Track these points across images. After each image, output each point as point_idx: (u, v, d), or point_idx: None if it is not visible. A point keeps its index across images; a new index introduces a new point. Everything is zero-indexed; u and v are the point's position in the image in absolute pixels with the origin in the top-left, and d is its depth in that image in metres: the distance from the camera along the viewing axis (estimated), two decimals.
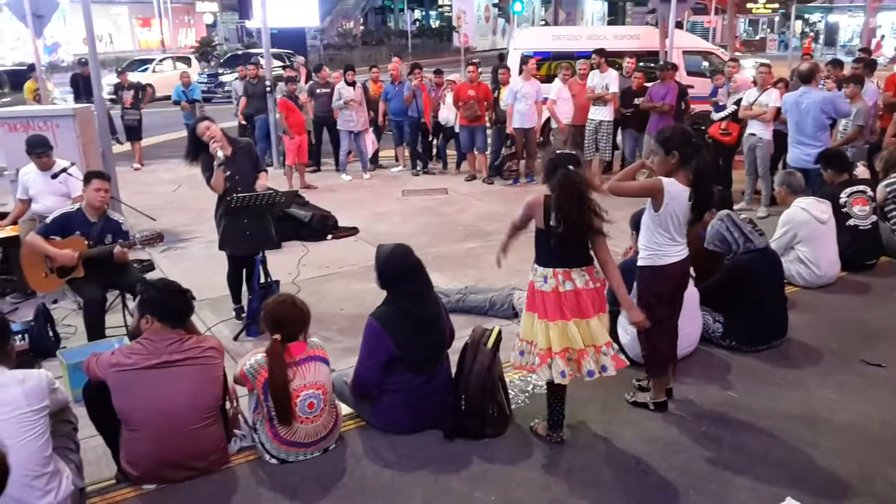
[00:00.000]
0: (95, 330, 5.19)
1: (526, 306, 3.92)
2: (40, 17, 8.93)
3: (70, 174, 6.16)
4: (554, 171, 3.74)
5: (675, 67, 10.38)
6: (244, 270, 5.91)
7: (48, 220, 5.36)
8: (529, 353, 3.89)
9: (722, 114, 9.14)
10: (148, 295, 3.70)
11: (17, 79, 16.77)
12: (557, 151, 3.86)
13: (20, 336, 5.17)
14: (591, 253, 3.81)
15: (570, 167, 3.71)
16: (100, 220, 5.33)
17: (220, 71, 24.70)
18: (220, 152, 5.39)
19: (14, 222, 6.53)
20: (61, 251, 5.17)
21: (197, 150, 5.56)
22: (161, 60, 25.72)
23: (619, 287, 3.88)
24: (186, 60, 25.93)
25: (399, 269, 4.01)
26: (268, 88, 11.78)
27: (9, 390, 3.12)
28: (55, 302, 6.25)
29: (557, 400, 3.96)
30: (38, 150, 6.19)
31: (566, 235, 3.66)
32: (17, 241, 6.19)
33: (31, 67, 13.71)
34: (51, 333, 5.45)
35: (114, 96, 13.32)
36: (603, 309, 3.86)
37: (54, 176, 6.15)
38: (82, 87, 13.48)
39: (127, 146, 13.00)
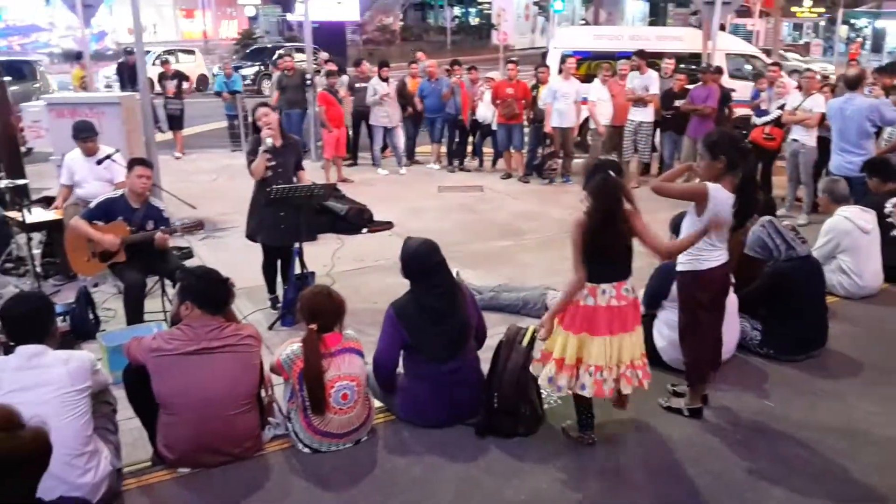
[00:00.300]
0: (135, 314, 5.28)
1: None
2: (89, 6, 9.11)
3: (114, 160, 6.27)
4: (593, 175, 3.76)
5: (719, 71, 10.25)
6: (279, 261, 5.98)
7: (92, 205, 5.47)
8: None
9: (765, 118, 8.99)
10: (188, 282, 3.76)
11: (16, 69, 14.60)
12: (600, 157, 3.86)
13: (62, 318, 5.28)
14: (628, 266, 3.79)
15: (610, 173, 3.71)
16: (142, 207, 5.42)
17: (241, 64, 23.99)
18: (269, 140, 5.50)
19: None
20: (104, 236, 5.26)
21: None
22: (167, 52, 24.23)
23: (661, 244, 3.89)
24: (191, 53, 25.73)
25: (422, 265, 4.04)
26: (308, 82, 11.88)
27: (53, 370, 3.20)
28: (96, 285, 6.36)
29: (581, 402, 3.94)
30: (84, 134, 6.33)
31: (597, 242, 3.68)
32: (61, 224, 6.32)
33: (79, 55, 14.02)
34: (91, 316, 5.57)
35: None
36: (624, 328, 3.77)
37: (99, 162, 6.27)
38: (127, 75, 13.70)
39: (168, 135, 13.20)
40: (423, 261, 4.03)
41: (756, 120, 9.13)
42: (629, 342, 3.80)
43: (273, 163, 5.58)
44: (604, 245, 3.69)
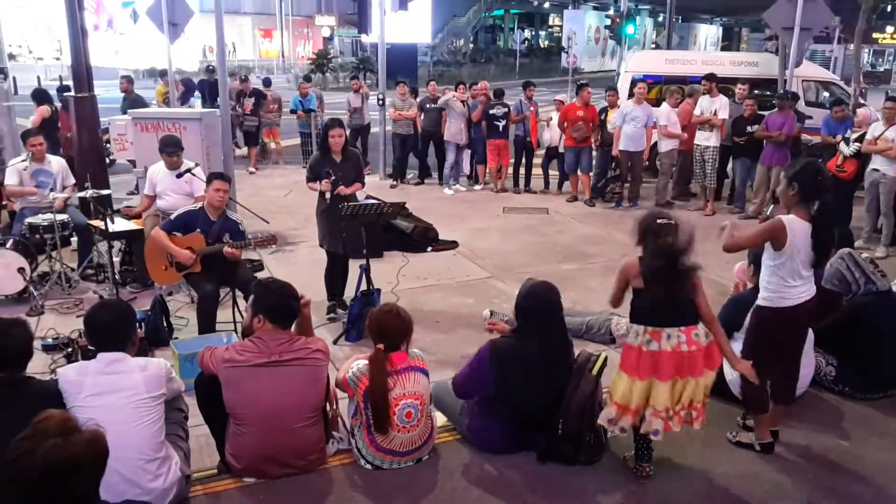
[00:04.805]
0: (207, 323, 5.43)
1: None
2: (175, 24, 9.48)
3: (194, 174, 6.50)
4: (644, 238, 3.70)
5: (795, 97, 10.03)
6: (341, 271, 6.18)
7: (172, 217, 5.67)
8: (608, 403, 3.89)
9: (849, 149, 8.62)
10: (261, 296, 3.82)
11: None
12: (653, 217, 3.73)
13: (137, 324, 5.46)
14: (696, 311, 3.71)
15: (663, 238, 3.62)
16: (219, 219, 5.59)
17: None
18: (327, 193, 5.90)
19: (139, 216, 6.95)
20: (181, 251, 5.45)
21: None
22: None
23: (723, 345, 3.79)
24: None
25: (539, 303, 3.99)
26: (379, 102, 12.14)
27: (131, 376, 3.31)
28: (170, 294, 6.58)
29: (642, 438, 3.86)
30: (170, 149, 6.59)
31: (661, 294, 3.61)
32: (141, 234, 6.57)
33: (164, 72, 14.61)
34: (165, 324, 5.74)
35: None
36: (692, 372, 3.67)
37: (179, 175, 6.50)
38: (208, 92, 14.18)
39: (244, 150, 13.59)
40: (540, 299, 3.98)
41: (843, 149, 8.73)
42: (693, 385, 3.70)
43: (333, 178, 5.80)
44: (661, 293, 3.62)
